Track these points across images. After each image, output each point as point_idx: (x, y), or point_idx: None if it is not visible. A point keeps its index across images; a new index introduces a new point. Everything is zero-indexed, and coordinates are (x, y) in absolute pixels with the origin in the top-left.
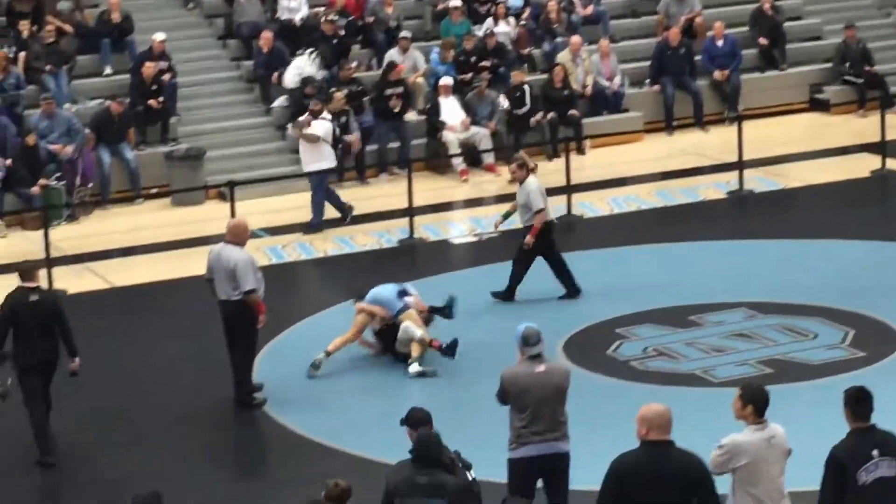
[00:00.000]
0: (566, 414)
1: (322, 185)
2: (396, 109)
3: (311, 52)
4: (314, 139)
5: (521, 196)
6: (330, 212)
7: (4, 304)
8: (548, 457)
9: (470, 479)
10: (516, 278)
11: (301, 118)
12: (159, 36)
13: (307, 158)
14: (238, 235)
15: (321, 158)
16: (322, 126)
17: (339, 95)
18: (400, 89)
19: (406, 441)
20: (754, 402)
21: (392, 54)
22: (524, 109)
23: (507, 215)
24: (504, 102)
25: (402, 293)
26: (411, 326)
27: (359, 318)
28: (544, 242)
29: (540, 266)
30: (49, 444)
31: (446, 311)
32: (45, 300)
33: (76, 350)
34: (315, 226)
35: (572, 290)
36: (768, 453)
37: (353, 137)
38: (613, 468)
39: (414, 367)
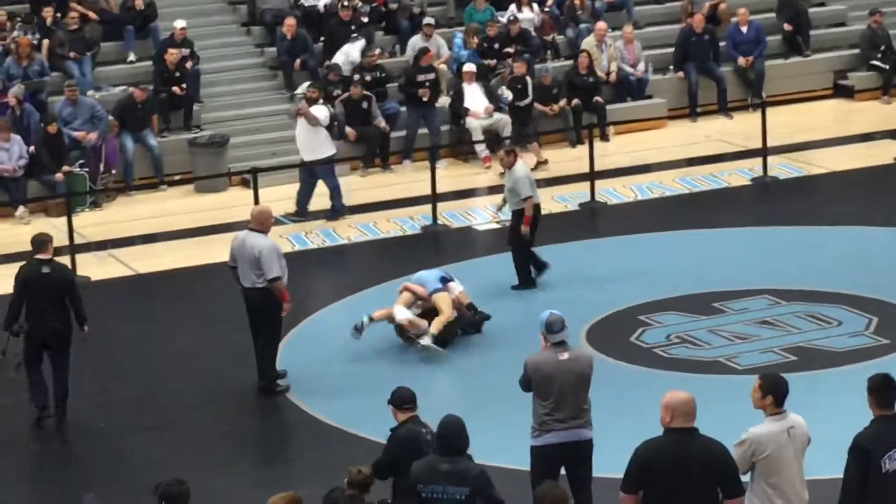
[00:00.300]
0: (589, 401)
1: (332, 172)
2: (425, 98)
3: (355, 37)
4: (315, 121)
5: (509, 182)
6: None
7: (17, 275)
8: (571, 444)
9: None
10: (522, 266)
11: (294, 106)
12: (180, 23)
13: (307, 146)
14: (262, 223)
15: (321, 145)
16: (321, 112)
17: (357, 91)
18: (432, 75)
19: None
20: (774, 393)
21: (416, 41)
22: (526, 101)
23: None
24: (507, 94)
25: (445, 279)
26: (399, 307)
27: (403, 296)
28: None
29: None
30: (49, 416)
31: (479, 317)
32: (57, 272)
33: (86, 320)
34: (339, 211)
35: (539, 267)
36: (788, 444)
37: (350, 131)
38: (637, 455)
39: (425, 340)
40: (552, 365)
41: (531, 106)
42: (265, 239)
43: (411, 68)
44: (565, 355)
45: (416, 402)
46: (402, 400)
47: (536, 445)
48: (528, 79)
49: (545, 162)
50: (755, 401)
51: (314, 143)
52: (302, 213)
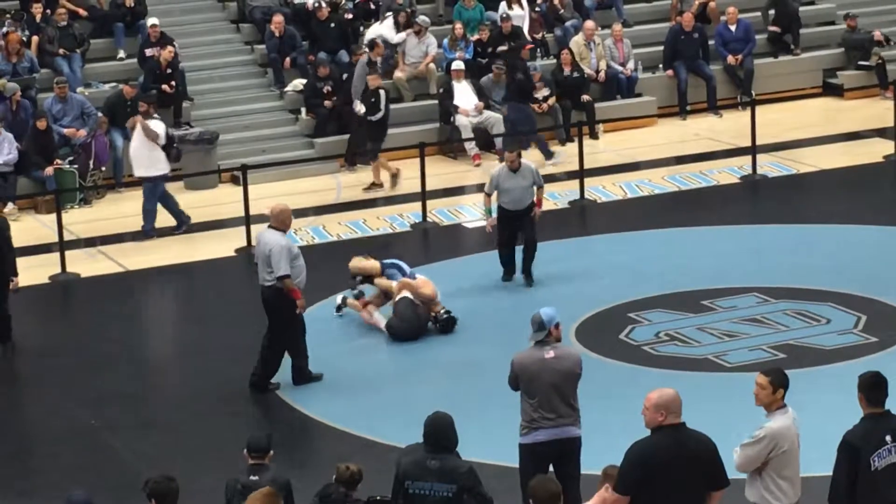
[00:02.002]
0: (578, 399)
1: (155, 193)
2: (542, 97)
3: (388, 15)
4: (154, 135)
5: (525, 179)
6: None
7: None
8: (559, 441)
9: None
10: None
11: (132, 119)
12: (152, 20)
13: (141, 162)
14: (283, 221)
15: (155, 163)
16: (160, 127)
17: (376, 80)
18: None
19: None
20: (784, 386)
21: (406, 38)
22: (378, 116)
23: (490, 211)
24: (360, 108)
25: (395, 266)
26: (362, 261)
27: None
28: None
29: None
30: None
31: (447, 317)
32: None
33: (16, 272)
34: (147, 232)
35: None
36: (796, 435)
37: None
38: (636, 455)
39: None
40: (536, 363)
41: (384, 120)
42: (279, 237)
43: (514, 60)
44: (551, 353)
45: (264, 452)
46: (248, 447)
47: (525, 443)
48: (382, 92)
49: (381, 185)
50: (764, 397)
51: (150, 160)
52: (183, 222)
